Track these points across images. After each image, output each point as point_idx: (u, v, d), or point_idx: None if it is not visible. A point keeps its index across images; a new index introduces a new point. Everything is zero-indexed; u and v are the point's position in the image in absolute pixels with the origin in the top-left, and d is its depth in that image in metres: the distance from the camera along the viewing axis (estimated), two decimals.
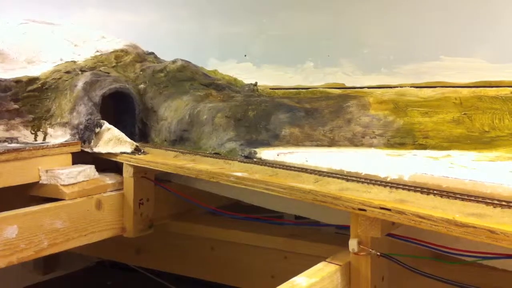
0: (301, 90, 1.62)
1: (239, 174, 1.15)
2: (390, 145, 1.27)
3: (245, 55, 2.02)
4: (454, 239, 0.87)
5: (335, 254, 1.00)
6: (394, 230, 0.97)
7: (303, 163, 1.14)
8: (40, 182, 1.30)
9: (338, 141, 1.31)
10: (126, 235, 1.39)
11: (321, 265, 0.96)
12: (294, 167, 1.14)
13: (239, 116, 1.40)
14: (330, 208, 0.98)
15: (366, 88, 1.54)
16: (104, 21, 2.32)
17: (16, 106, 1.43)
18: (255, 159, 1.23)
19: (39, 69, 1.55)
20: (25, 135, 1.43)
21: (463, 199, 0.88)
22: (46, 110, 1.48)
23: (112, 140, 1.41)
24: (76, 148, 1.40)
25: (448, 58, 1.63)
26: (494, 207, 0.84)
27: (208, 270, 1.50)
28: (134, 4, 2.31)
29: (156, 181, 1.44)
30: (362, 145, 1.29)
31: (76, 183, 1.30)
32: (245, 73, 1.92)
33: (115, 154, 1.40)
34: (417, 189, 0.94)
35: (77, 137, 1.41)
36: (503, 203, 0.84)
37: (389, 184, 0.97)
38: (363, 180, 1.01)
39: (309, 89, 1.58)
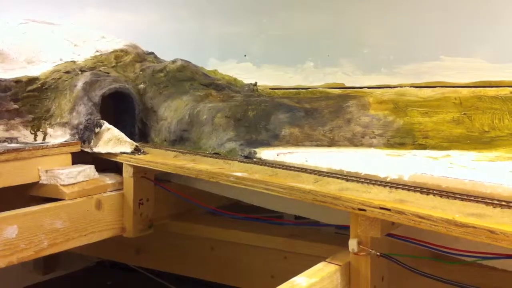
0: (301, 90, 1.62)
1: (239, 174, 1.15)
2: (390, 145, 1.27)
3: (245, 55, 2.02)
4: (454, 239, 0.87)
5: (335, 254, 1.00)
6: (394, 230, 0.97)
7: (303, 163, 1.14)
8: (40, 182, 1.30)
9: (338, 141, 1.31)
10: (126, 235, 1.39)
11: (321, 265, 0.96)
12: (294, 167, 1.14)
13: (239, 116, 1.40)
14: (330, 208, 0.98)
15: (366, 88, 1.54)
16: (104, 21, 2.32)
17: (16, 106, 1.43)
18: (255, 159, 1.23)
19: (39, 69, 1.55)
20: (24, 135, 1.43)
21: (462, 199, 0.88)
22: (46, 110, 1.48)
23: (112, 140, 1.41)
24: (76, 148, 1.40)
25: (448, 58, 1.63)
26: (494, 207, 0.84)
27: (208, 270, 1.50)
28: (134, 4, 2.31)
29: (156, 181, 1.44)
30: (362, 145, 1.29)
31: (76, 183, 1.30)
32: (245, 73, 1.92)
33: (115, 154, 1.40)
34: (417, 189, 0.94)
35: (76, 137, 1.41)
36: (503, 203, 0.84)
37: (389, 184, 0.97)
38: (363, 180, 1.01)
39: (309, 89, 1.58)
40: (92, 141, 1.41)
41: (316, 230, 1.38)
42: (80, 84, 1.47)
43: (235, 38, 2.06)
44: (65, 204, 1.26)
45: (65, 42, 1.72)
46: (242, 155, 1.27)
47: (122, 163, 1.39)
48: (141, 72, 1.67)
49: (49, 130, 1.45)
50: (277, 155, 1.20)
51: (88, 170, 1.34)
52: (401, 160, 1.11)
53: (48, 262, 1.87)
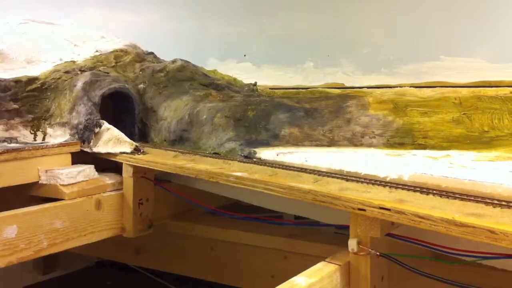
0: (300, 90, 1.61)
1: (238, 174, 1.15)
2: (389, 145, 1.27)
3: (245, 55, 2.02)
4: (454, 239, 0.87)
5: (335, 254, 1.00)
6: (393, 230, 0.97)
7: (303, 163, 1.14)
8: (40, 182, 1.30)
9: (338, 141, 1.31)
10: (125, 235, 1.39)
11: (320, 265, 0.96)
12: (294, 167, 1.13)
13: (238, 116, 1.40)
14: (329, 208, 0.98)
15: (366, 88, 1.54)
16: (104, 21, 2.32)
17: (15, 106, 1.43)
18: (254, 159, 1.23)
19: (38, 69, 1.55)
20: (24, 135, 1.43)
21: (462, 199, 0.88)
22: (46, 110, 1.48)
23: (112, 140, 1.41)
24: (76, 148, 1.40)
25: (448, 58, 1.63)
26: (494, 207, 0.84)
27: (208, 270, 1.50)
28: (134, 4, 2.31)
29: (155, 181, 1.43)
30: (361, 145, 1.29)
31: (76, 183, 1.30)
32: (244, 73, 1.92)
33: (115, 154, 1.40)
34: (417, 189, 0.94)
35: (76, 137, 1.41)
36: (503, 203, 0.84)
37: (389, 184, 0.97)
38: (363, 180, 1.01)
39: (309, 89, 1.58)
40: (91, 141, 1.41)
41: (316, 230, 1.38)
42: (79, 84, 1.47)
43: (235, 38, 2.06)
44: (64, 204, 1.26)
45: (64, 42, 1.72)
46: (242, 155, 1.27)
47: (121, 163, 1.39)
48: (140, 72, 1.67)
49: (49, 130, 1.45)
50: (277, 155, 1.20)
51: (87, 170, 1.34)
52: (400, 160, 1.11)
53: (48, 262, 1.87)
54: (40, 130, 1.45)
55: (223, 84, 1.65)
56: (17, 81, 1.45)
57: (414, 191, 0.93)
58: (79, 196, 1.29)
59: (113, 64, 1.67)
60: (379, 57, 1.75)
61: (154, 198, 1.44)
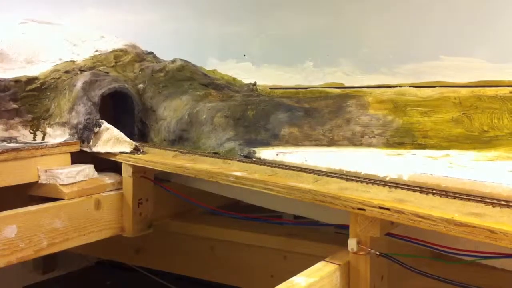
0: (300, 89, 1.61)
1: (238, 173, 1.15)
2: (389, 144, 1.27)
3: (244, 55, 2.02)
4: (454, 238, 0.87)
5: (334, 254, 1.00)
6: (393, 230, 0.97)
7: (302, 163, 1.14)
8: (39, 181, 1.30)
9: (337, 140, 1.31)
10: (125, 234, 1.39)
11: (320, 265, 0.96)
12: (293, 166, 1.13)
13: (238, 115, 1.40)
14: (329, 208, 0.98)
15: (365, 88, 1.54)
16: (104, 21, 2.32)
17: (15, 106, 1.43)
18: (254, 159, 1.23)
19: (38, 69, 1.55)
20: (24, 134, 1.43)
21: (462, 199, 0.88)
22: (45, 109, 1.48)
23: (111, 140, 1.41)
24: (75, 148, 1.40)
25: (447, 58, 1.63)
26: (493, 207, 0.84)
27: (208, 269, 1.50)
28: (134, 4, 2.31)
29: (155, 180, 1.43)
30: (361, 144, 1.29)
31: (75, 182, 1.30)
32: (244, 72, 1.92)
33: (114, 154, 1.40)
34: (416, 188, 0.94)
35: (76, 136, 1.41)
36: (502, 202, 0.84)
37: (388, 184, 0.97)
38: (362, 180, 1.01)
39: (308, 89, 1.58)
40: (91, 140, 1.41)
41: (315, 229, 1.37)
42: (79, 84, 1.47)
43: (235, 38, 2.06)
44: (64, 203, 1.26)
45: (64, 42, 1.72)
46: (242, 154, 1.27)
47: (121, 163, 1.39)
48: (140, 72, 1.67)
49: (48, 130, 1.45)
50: (277, 154, 1.20)
51: (87, 170, 1.34)
52: (400, 159, 1.11)
53: (48, 261, 1.87)
54: (40, 130, 1.45)
55: (222, 84, 1.65)
56: (16, 81, 1.45)
57: (414, 190, 0.93)
58: (78, 195, 1.29)
59: (112, 64, 1.67)
60: (378, 57, 1.75)
61: (154, 198, 1.44)
